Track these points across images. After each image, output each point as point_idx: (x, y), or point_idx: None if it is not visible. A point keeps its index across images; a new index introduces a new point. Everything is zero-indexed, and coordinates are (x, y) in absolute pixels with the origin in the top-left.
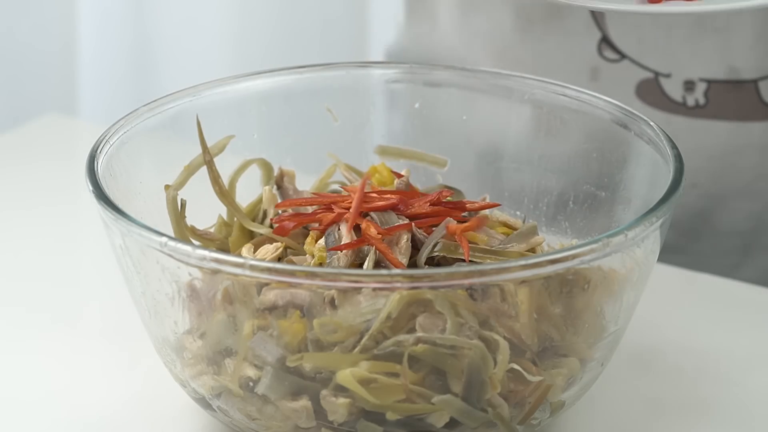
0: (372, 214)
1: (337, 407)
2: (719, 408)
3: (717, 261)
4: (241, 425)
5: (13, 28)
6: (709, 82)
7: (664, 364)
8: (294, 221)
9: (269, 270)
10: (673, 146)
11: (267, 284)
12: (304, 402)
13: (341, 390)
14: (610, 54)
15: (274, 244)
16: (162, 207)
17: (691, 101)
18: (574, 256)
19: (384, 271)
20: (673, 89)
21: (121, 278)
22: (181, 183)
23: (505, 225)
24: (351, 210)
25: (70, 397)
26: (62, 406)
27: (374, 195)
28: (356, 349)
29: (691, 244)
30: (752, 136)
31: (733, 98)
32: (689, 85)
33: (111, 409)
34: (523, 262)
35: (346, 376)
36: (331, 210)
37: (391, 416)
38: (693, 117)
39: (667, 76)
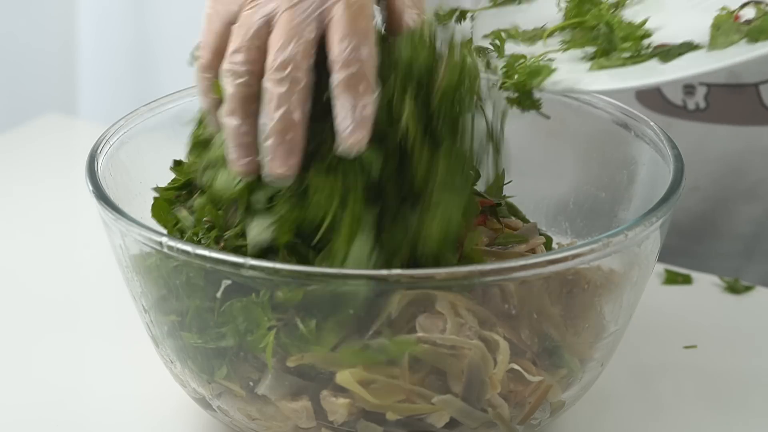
0: None
1: (337, 407)
2: (719, 408)
3: (719, 265)
4: (241, 425)
5: (13, 28)
6: (709, 86)
7: (664, 364)
8: None
9: (269, 270)
10: (673, 146)
11: None
12: (304, 402)
13: (341, 390)
14: None
15: None
16: None
17: (691, 105)
18: (574, 256)
19: (384, 271)
20: (673, 93)
21: (121, 278)
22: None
23: (505, 225)
24: None
25: (69, 397)
26: (62, 405)
27: None
28: None
29: (693, 247)
30: (754, 139)
31: (734, 102)
32: (689, 89)
33: (111, 409)
34: (523, 262)
35: (346, 376)
36: None
37: (391, 416)
38: (694, 120)
39: None
